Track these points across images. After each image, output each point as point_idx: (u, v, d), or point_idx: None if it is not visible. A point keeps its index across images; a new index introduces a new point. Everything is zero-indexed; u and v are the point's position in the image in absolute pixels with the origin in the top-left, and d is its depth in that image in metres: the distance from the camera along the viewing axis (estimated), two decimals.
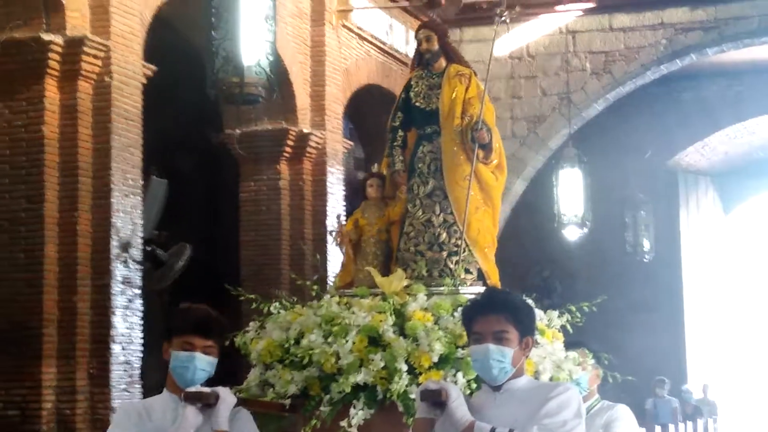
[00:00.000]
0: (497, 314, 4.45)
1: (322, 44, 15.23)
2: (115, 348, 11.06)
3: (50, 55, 10.80)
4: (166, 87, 12.58)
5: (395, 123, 8.65)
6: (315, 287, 7.69)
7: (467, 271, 8.11)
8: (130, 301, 11.30)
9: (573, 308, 7.92)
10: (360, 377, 6.90)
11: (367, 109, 17.21)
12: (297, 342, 7.21)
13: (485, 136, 8.23)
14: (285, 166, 14.84)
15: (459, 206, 8.19)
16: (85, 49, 10.91)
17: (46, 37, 10.79)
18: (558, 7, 18.95)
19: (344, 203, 15.55)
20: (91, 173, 11.09)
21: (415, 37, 8.81)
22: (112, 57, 11.17)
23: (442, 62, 8.60)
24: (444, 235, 8.23)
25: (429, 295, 7.43)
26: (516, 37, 18.90)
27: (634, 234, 21.93)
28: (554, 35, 19.00)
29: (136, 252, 11.49)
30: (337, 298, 7.56)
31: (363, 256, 8.34)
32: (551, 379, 7.24)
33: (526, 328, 4.51)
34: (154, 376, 10.15)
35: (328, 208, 15.12)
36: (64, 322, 10.84)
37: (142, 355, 11.43)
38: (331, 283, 8.58)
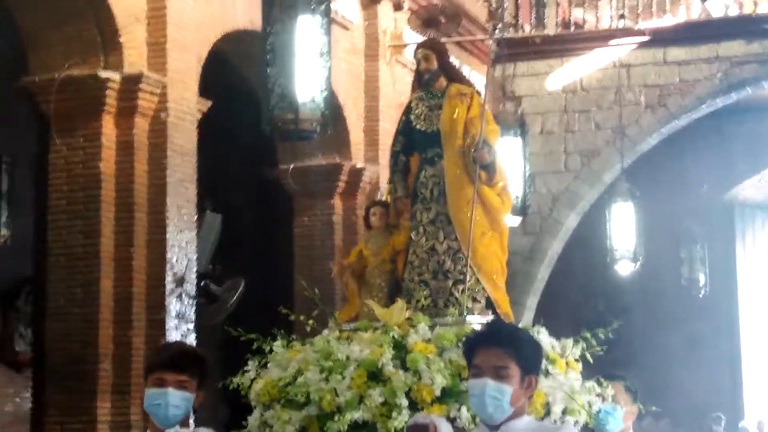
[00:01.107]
0: (500, 348, 4.16)
1: (376, 79, 15.27)
2: None
3: (108, 92, 10.91)
4: (221, 122, 12.66)
5: (396, 148, 8.36)
6: (310, 323, 7.35)
7: (474, 300, 7.79)
8: (184, 336, 11.34)
9: (588, 335, 7.61)
10: (358, 414, 6.58)
11: None
12: (296, 380, 6.93)
13: (486, 157, 7.86)
14: (338, 201, 14.88)
15: (463, 232, 7.81)
16: (142, 86, 11.01)
17: (103, 74, 10.91)
18: (612, 41, 18.89)
19: None
20: (146, 208, 11.17)
21: (414, 57, 8.52)
22: (168, 93, 11.26)
23: (443, 82, 8.26)
24: (449, 262, 7.87)
25: (433, 326, 7.12)
26: (569, 71, 18.87)
27: (690, 268, 21.75)
28: (608, 69, 18.93)
29: (191, 287, 11.54)
30: (336, 333, 7.29)
31: (368, 288, 8.05)
32: (564, 410, 6.96)
33: (530, 367, 4.22)
34: (207, 412, 10.18)
35: None
36: (119, 357, 10.90)
37: None
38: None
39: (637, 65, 18.89)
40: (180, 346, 4.85)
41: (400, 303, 7.33)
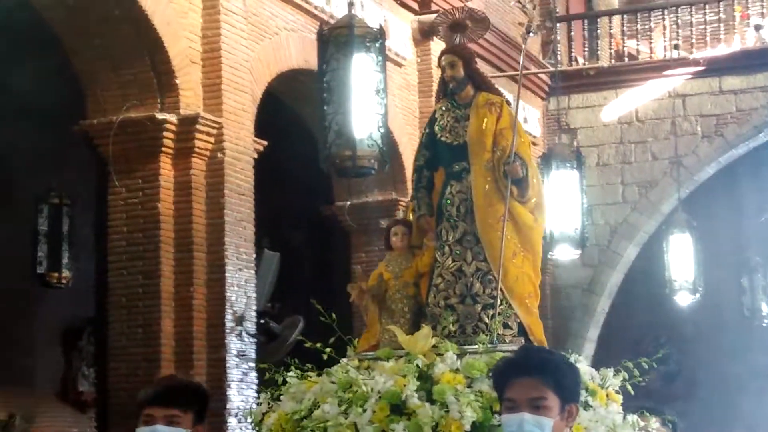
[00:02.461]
0: (534, 377, 3.72)
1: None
2: (231, 421, 11.12)
3: (165, 133, 11.00)
4: (277, 161, 12.73)
5: (420, 162, 7.72)
6: (328, 350, 6.80)
7: (506, 326, 7.18)
8: (245, 374, 11.37)
9: (630, 364, 7.07)
10: None
11: None
12: (311, 414, 6.44)
13: (519, 171, 7.31)
14: None
15: (493, 252, 7.22)
16: (199, 126, 11.09)
17: (160, 116, 11.00)
18: (666, 72, 18.82)
19: None
20: (205, 248, 11.23)
21: (438, 64, 7.87)
22: (224, 133, 11.34)
23: (470, 91, 7.63)
24: (477, 285, 7.28)
25: (461, 355, 6.59)
26: (624, 102, 18.81)
27: (752, 298, 21.51)
28: (663, 99, 18.85)
29: (250, 325, 11.57)
30: (356, 362, 6.78)
31: (389, 314, 7.42)
32: None
33: (569, 394, 3.78)
34: None
35: None
36: None
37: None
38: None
39: (693, 95, 18.80)
40: (169, 379, 4.65)
41: (425, 329, 6.85)
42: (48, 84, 13.26)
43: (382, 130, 8.18)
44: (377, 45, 8.31)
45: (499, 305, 7.15)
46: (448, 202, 7.51)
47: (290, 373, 6.85)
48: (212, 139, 11.26)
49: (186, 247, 11.11)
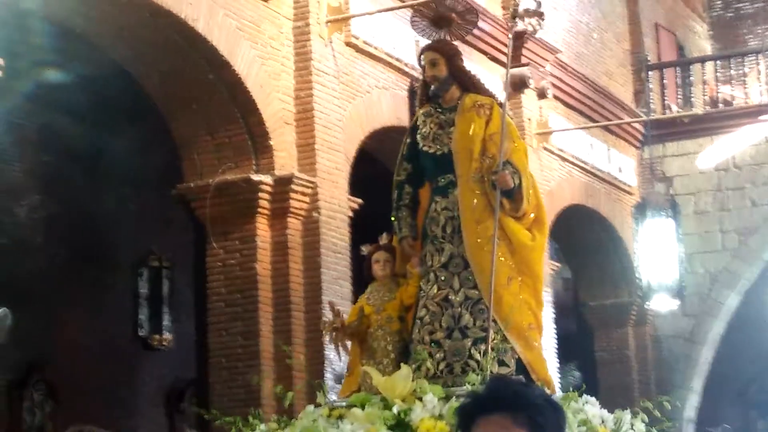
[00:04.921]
0: (504, 414, 2.98)
1: None
2: None
3: (260, 194, 11.11)
4: (372, 218, 12.76)
5: (400, 177, 6.80)
6: (290, 395, 6.22)
7: (501, 363, 6.20)
8: None
9: (649, 404, 6.30)
10: None
11: (572, 229, 17.11)
12: None
13: (508, 180, 6.29)
14: None
15: (484, 277, 6.22)
16: (294, 186, 11.19)
17: (256, 177, 11.12)
18: (762, 116, 18.59)
19: (554, 326, 15.39)
20: (303, 307, 11.28)
21: (419, 63, 6.93)
22: (319, 193, 11.42)
23: (455, 92, 6.68)
24: (467, 316, 6.29)
25: (446, 398, 5.68)
26: (720, 149, 18.59)
27: None
28: (761, 144, 18.60)
29: None
30: (326, 410, 6.01)
31: (370, 353, 6.53)
32: None
33: None
34: None
35: None
36: None
37: None
38: None
39: None
40: None
41: (404, 369, 5.85)
42: (146, 149, 13.53)
43: None
44: None
45: (493, 339, 6.17)
46: (433, 220, 6.54)
47: (259, 424, 6.29)
48: (307, 199, 11.35)
49: (284, 306, 11.18)
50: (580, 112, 16.93)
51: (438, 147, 6.59)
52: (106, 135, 13.81)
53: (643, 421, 6.27)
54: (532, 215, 6.53)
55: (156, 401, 16.36)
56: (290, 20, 11.51)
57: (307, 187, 11.33)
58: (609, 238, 17.80)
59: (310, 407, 6.12)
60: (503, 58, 15.00)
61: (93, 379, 14.25)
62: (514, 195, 6.37)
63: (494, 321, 6.22)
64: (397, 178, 6.82)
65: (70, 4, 10.10)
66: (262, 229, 11.24)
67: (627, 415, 6.17)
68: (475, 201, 6.38)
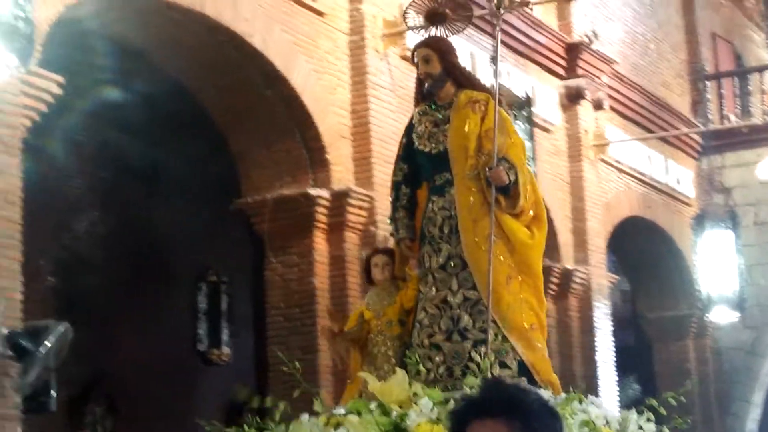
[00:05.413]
0: (498, 419, 2.82)
1: (580, 179, 15.22)
2: None
3: (318, 208, 11.15)
4: None
5: (397, 177, 6.68)
6: (281, 405, 5.94)
7: (503, 365, 6.11)
8: None
9: (655, 402, 6.04)
10: None
11: (630, 242, 17.02)
12: None
13: (503, 176, 6.15)
14: (551, 304, 14.75)
15: (482, 277, 6.13)
16: (350, 200, 11.22)
17: (313, 191, 11.17)
18: None
19: (612, 339, 15.31)
20: None
21: (412, 60, 6.84)
22: (375, 207, 11.44)
23: (450, 89, 6.57)
24: (466, 318, 6.19)
25: (445, 402, 5.48)
26: None
27: None
28: None
29: None
30: (322, 419, 5.81)
31: (370, 359, 6.42)
32: None
33: None
34: None
35: (596, 344, 14.92)
36: None
37: None
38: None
39: None
40: None
41: (400, 374, 5.64)
42: (203, 165, 13.62)
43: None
44: (524, 113, 8.34)
45: (493, 340, 6.06)
46: (430, 221, 6.41)
47: None
48: (364, 213, 11.38)
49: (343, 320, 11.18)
50: (637, 123, 16.85)
51: (434, 145, 6.49)
52: (164, 151, 13.92)
53: (649, 420, 6.04)
54: (531, 212, 6.37)
55: (215, 416, 16.41)
56: (346, 34, 11.57)
57: (364, 200, 11.35)
58: (668, 250, 17.68)
59: (305, 416, 5.91)
60: (559, 70, 15.00)
61: (153, 393, 14.34)
62: (510, 191, 6.22)
63: (494, 322, 6.12)
64: (394, 178, 6.71)
65: (130, 23, 10.21)
66: (320, 243, 11.28)
67: (633, 415, 5.97)
68: (472, 199, 6.27)
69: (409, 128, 6.66)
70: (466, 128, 6.36)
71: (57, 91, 8.41)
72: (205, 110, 11.45)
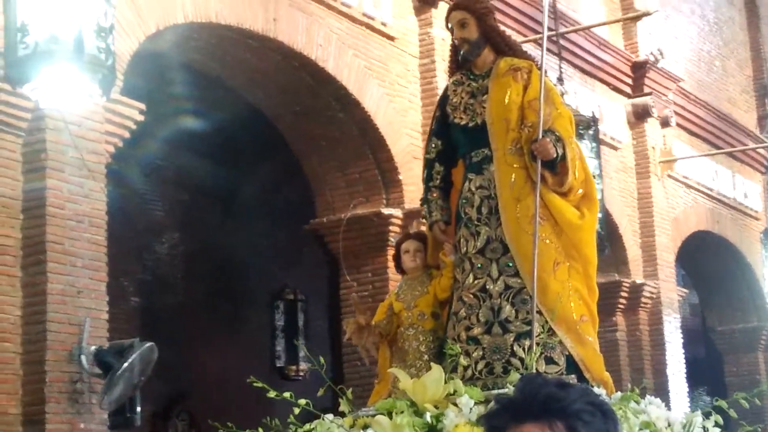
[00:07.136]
0: (541, 422, 2.40)
1: (648, 195, 15.36)
2: None
3: (391, 227, 11.40)
4: None
5: (430, 155, 5.94)
6: (302, 402, 5.44)
7: (549, 361, 5.39)
8: None
9: (724, 404, 5.41)
10: None
11: (699, 255, 17.14)
12: None
13: (550, 149, 5.38)
14: (621, 318, 14.92)
15: (526, 263, 5.38)
16: (423, 220, 11.47)
17: (386, 211, 11.42)
18: None
19: (683, 352, 15.43)
20: None
21: (446, 26, 6.00)
22: None
23: (488, 56, 5.85)
24: (507, 308, 5.46)
25: (485, 401, 4.86)
26: None
27: None
28: None
29: None
30: (349, 420, 5.33)
31: (400, 355, 5.80)
32: None
33: None
34: None
35: (667, 358, 15.05)
36: None
37: None
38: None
39: None
40: None
41: (435, 370, 4.97)
42: (279, 187, 13.94)
43: (600, 214, 8.37)
44: (591, 132, 8.55)
45: (538, 333, 5.32)
46: (467, 201, 5.70)
47: None
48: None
49: None
50: (704, 140, 16.97)
51: (470, 118, 5.76)
52: (241, 174, 14.26)
53: (717, 424, 5.42)
54: (580, 191, 5.60)
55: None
56: (416, 58, 11.83)
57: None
58: (736, 263, 17.75)
59: (329, 416, 5.39)
60: (626, 89, 15.19)
61: (233, 409, 14.66)
62: (557, 166, 5.49)
63: (539, 313, 5.39)
64: (427, 156, 5.99)
65: (207, 51, 10.52)
66: (392, 261, 11.51)
67: (698, 417, 5.32)
68: (514, 176, 5.53)
69: (443, 100, 5.96)
70: (507, 98, 5.67)
71: (139, 118, 8.60)
72: (280, 134, 11.72)
